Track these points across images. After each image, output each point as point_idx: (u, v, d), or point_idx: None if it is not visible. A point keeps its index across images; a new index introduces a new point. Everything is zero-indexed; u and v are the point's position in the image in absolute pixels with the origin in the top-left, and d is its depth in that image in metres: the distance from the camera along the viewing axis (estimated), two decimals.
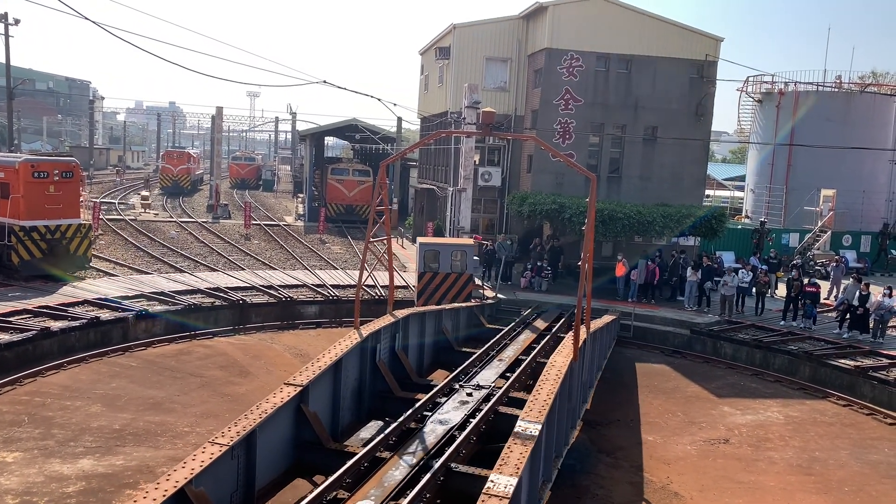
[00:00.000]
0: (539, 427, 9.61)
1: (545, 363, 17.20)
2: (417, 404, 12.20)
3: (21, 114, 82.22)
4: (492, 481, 7.90)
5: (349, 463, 9.63)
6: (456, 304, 20.44)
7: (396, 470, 9.95)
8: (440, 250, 23.00)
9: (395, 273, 26.20)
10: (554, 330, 19.46)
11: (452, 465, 10.02)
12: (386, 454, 10.46)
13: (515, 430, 9.54)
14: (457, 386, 13.68)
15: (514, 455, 8.70)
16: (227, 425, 8.81)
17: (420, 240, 23.92)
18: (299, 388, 10.44)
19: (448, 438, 11.10)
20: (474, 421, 11.63)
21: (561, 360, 12.95)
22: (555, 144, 28.58)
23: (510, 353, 16.93)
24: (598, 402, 17.38)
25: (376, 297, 24.22)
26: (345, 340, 12.85)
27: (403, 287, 26.13)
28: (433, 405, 12.55)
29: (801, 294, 23.50)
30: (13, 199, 23.15)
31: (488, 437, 12.03)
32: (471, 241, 25.17)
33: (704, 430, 15.91)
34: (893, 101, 42.18)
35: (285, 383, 10.52)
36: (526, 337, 18.70)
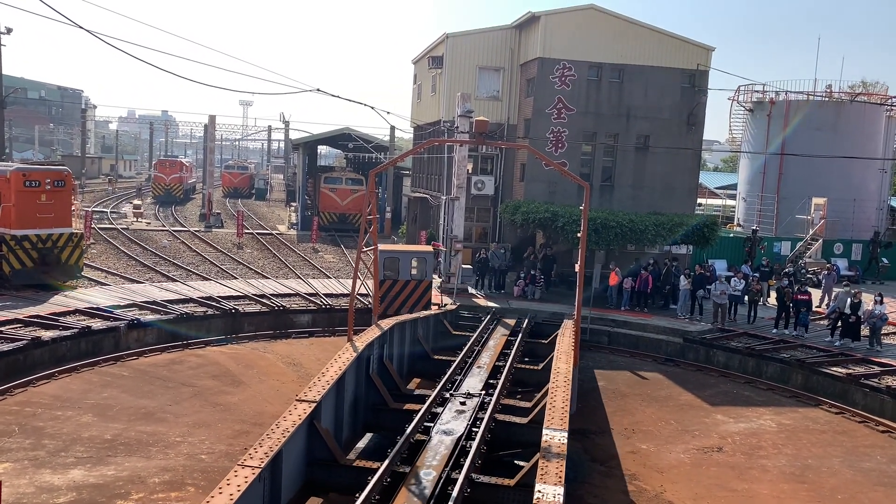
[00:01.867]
0: (566, 435, 9.87)
1: (524, 369, 17.33)
2: (418, 416, 12.17)
3: (13, 123, 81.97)
4: (539, 492, 8.22)
5: (373, 479, 9.54)
6: (426, 313, 20.37)
7: (420, 484, 9.96)
8: (399, 258, 22.84)
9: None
10: (520, 336, 19.59)
11: (474, 476, 10.07)
12: (404, 468, 10.42)
13: (545, 438, 9.72)
14: (447, 395, 13.68)
15: (553, 466, 8.90)
16: (251, 444, 8.75)
17: (380, 246, 23.64)
18: (314, 405, 10.32)
19: (460, 449, 11.12)
20: (479, 430, 11.68)
21: (564, 367, 13.07)
22: (547, 153, 28.65)
23: (486, 359, 17.00)
24: (592, 411, 17.38)
25: (369, 305, 24.18)
26: (344, 353, 12.83)
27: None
28: (432, 416, 12.53)
29: (792, 302, 23.58)
30: (4, 208, 23.07)
31: (491, 446, 12.08)
32: (429, 248, 25.08)
33: (698, 438, 15.91)
34: (883, 111, 42.48)
35: (298, 399, 10.39)
36: (495, 343, 18.80)
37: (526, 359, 18.27)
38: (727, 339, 22.90)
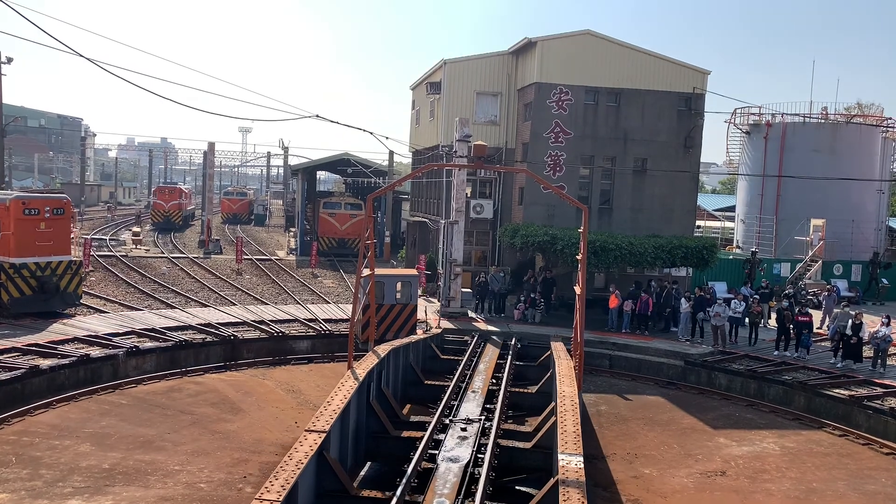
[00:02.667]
0: (581, 459, 9.85)
1: (518, 392, 17.25)
2: (422, 443, 12.07)
3: (13, 151, 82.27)
4: None
5: None
6: (415, 338, 20.24)
7: None
8: (384, 281, 22.54)
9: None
10: (509, 359, 19.54)
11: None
12: (416, 498, 10.34)
13: (561, 463, 9.70)
14: (447, 421, 13.58)
15: (574, 494, 8.86)
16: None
17: (363, 272, 23.33)
18: (323, 435, 10.22)
19: (469, 477, 11.03)
20: (485, 457, 11.60)
21: (569, 390, 13.06)
22: (546, 177, 28.75)
23: (479, 384, 16.93)
24: (593, 435, 17.23)
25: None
26: (347, 381, 12.75)
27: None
28: (435, 443, 12.41)
29: (794, 324, 23.51)
30: (4, 236, 23.07)
31: (497, 471, 11.99)
32: (414, 272, 24.97)
33: (701, 462, 15.78)
34: (879, 132, 42.72)
35: (307, 430, 10.27)
36: (485, 367, 18.70)
37: (518, 382, 18.18)
38: (728, 361, 22.80)
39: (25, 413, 16.01)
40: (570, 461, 9.75)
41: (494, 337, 23.02)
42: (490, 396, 16.03)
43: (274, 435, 16.00)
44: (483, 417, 14.12)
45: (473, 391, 16.29)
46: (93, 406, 17.02)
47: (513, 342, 21.77)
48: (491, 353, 20.29)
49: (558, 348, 19.27)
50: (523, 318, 27.12)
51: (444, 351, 21.14)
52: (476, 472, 11.12)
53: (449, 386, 16.52)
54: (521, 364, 20.02)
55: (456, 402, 15.19)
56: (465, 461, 11.63)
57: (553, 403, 14.96)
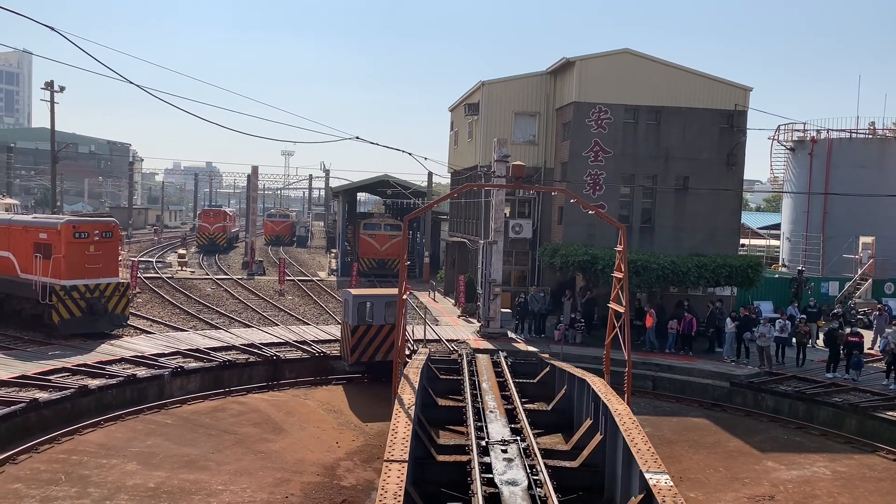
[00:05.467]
0: (669, 477, 9.83)
1: (535, 410, 17.03)
2: (476, 468, 11.98)
3: (64, 176, 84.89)
4: None
5: None
6: (422, 359, 19.92)
7: None
8: (373, 301, 22.20)
9: (428, 326, 26.17)
10: (509, 377, 19.25)
11: None
12: None
13: (652, 482, 9.67)
14: (483, 444, 13.47)
15: None
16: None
17: (352, 291, 22.81)
18: (405, 465, 10.18)
19: (539, 500, 10.99)
20: (542, 479, 11.63)
21: (622, 407, 13.06)
22: (585, 196, 28.61)
23: (492, 403, 16.76)
24: None
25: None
26: (403, 409, 12.80)
27: (436, 341, 26.03)
28: (483, 466, 12.30)
29: (844, 344, 22.90)
30: (55, 260, 23.73)
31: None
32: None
33: (748, 486, 15.40)
34: None
35: (388, 460, 10.27)
36: (488, 385, 18.38)
37: (523, 400, 17.91)
38: (776, 382, 22.28)
39: (75, 432, 16.39)
40: (660, 479, 9.71)
41: (480, 354, 22.61)
42: (509, 415, 15.91)
43: (315, 455, 16.09)
44: (517, 438, 14.00)
45: (491, 411, 16.11)
46: (139, 425, 17.34)
47: (502, 359, 21.55)
48: (487, 372, 19.95)
49: (564, 366, 19.09)
50: (564, 339, 26.90)
51: (439, 371, 20.82)
52: (542, 495, 11.05)
53: (465, 406, 16.35)
54: (523, 381, 19.79)
55: (481, 424, 15.04)
56: (524, 484, 11.56)
57: (588, 420, 14.79)
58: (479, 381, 18.77)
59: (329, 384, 22.37)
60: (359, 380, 22.81)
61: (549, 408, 18.21)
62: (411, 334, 25.91)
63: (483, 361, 21.26)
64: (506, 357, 21.97)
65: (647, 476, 9.78)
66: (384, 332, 21.89)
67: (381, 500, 8.95)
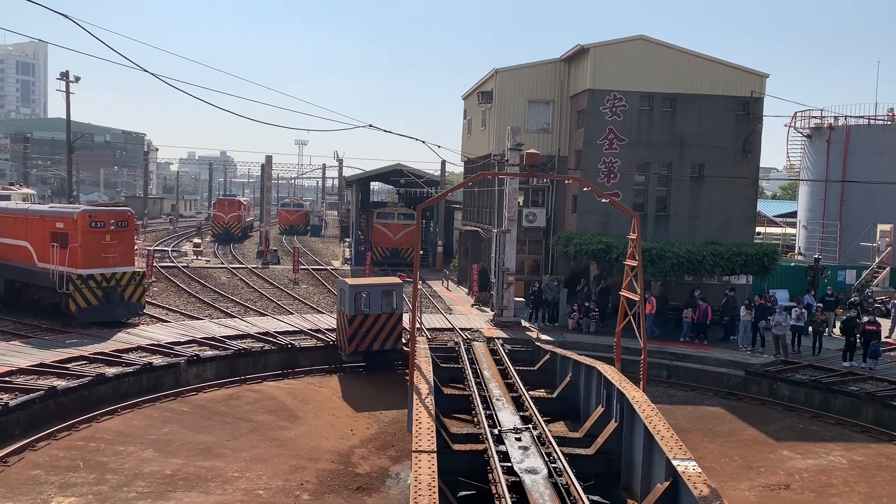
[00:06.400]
0: (696, 462, 9.88)
1: (540, 398, 17.02)
2: (494, 457, 12.01)
3: (80, 166, 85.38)
4: None
5: None
6: (421, 347, 19.89)
7: None
8: (369, 291, 22.08)
9: (441, 315, 26.22)
10: (510, 365, 19.22)
11: None
12: None
13: (680, 469, 9.75)
14: (496, 432, 13.49)
15: (712, 498, 8.93)
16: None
17: (349, 281, 22.66)
18: (434, 454, 10.21)
19: (561, 488, 11.02)
20: (562, 467, 11.63)
21: (639, 395, 13.11)
22: (600, 184, 28.46)
23: (496, 391, 16.74)
24: None
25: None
26: (422, 398, 12.84)
27: (449, 329, 26.05)
28: (502, 455, 12.32)
29: (861, 333, 22.71)
30: (71, 249, 23.92)
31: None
32: (398, 280, 24.59)
33: (763, 475, 15.34)
34: None
35: (417, 451, 10.27)
36: (490, 374, 18.35)
37: (526, 387, 17.89)
38: (791, 371, 22.14)
39: (92, 419, 16.57)
40: (688, 466, 9.74)
41: (476, 342, 22.55)
42: (516, 403, 15.91)
43: (330, 443, 16.18)
44: (529, 426, 14.01)
45: (498, 399, 16.10)
46: (155, 413, 17.51)
47: (499, 346, 21.47)
48: (486, 360, 19.90)
49: (567, 353, 19.04)
50: (577, 328, 26.85)
51: (438, 359, 20.74)
52: (564, 483, 11.07)
53: (472, 395, 16.36)
54: (523, 369, 19.75)
55: (490, 412, 15.05)
56: (544, 473, 11.59)
57: (600, 408, 14.77)
58: (480, 369, 18.79)
59: (343, 372, 22.44)
60: (355, 369, 22.60)
61: (554, 395, 18.20)
62: (421, 323, 25.94)
63: (480, 349, 21.25)
64: (502, 344, 21.97)
65: (674, 463, 9.77)
66: (381, 321, 21.93)
67: (415, 491, 8.95)
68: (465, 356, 19.99)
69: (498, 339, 23.23)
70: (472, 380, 17.45)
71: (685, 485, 9.31)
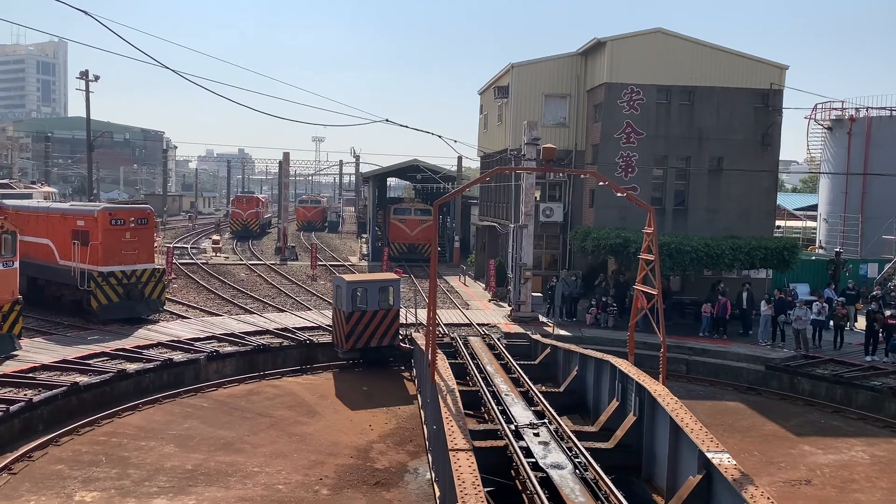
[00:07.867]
0: (729, 455, 9.98)
1: (548, 392, 16.96)
2: (518, 453, 12.02)
3: (100, 164, 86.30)
4: None
5: None
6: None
7: None
8: (367, 287, 22.00)
9: (458, 310, 26.22)
10: (510, 359, 19.16)
11: None
12: None
13: (714, 460, 9.83)
14: (512, 427, 13.50)
15: (753, 490, 9.01)
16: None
17: (345, 277, 22.59)
18: (472, 453, 10.20)
19: (589, 483, 11.06)
20: (587, 462, 11.65)
21: (660, 388, 13.17)
22: (617, 178, 28.31)
23: (503, 385, 16.70)
24: None
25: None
26: (449, 395, 12.89)
27: (467, 325, 26.05)
28: (525, 451, 12.32)
29: (883, 327, 22.45)
30: (92, 246, 24.18)
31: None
32: (396, 276, 24.51)
33: (784, 470, 15.23)
34: None
35: (454, 449, 10.28)
36: (493, 368, 18.29)
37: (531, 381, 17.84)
38: (812, 366, 21.94)
39: (114, 415, 16.78)
40: (722, 458, 9.78)
41: (472, 337, 22.46)
42: (525, 398, 15.88)
43: (349, 438, 16.26)
44: (545, 421, 14.00)
45: (507, 394, 16.07)
46: (176, 409, 17.68)
47: (496, 340, 21.37)
48: (486, 355, 19.82)
49: (571, 347, 18.97)
50: (595, 323, 26.76)
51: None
52: (592, 478, 11.11)
53: (480, 391, 16.33)
54: (524, 363, 19.69)
55: (502, 407, 15.04)
56: (569, 467, 11.59)
57: (615, 402, 14.73)
58: (482, 364, 18.76)
59: (361, 367, 22.50)
60: (349, 367, 22.48)
61: (562, 389, 18.16)
62: (439, 319, 25.96)
63: (477, 344, 21.23)
64: (499, 338, 21.92)
65: (708, 455, 9.77)
66: (378, 317, 21.91)
67: (461, 490, 8.96)
68: (465, 351, 20.02)
69: (494, 333, 23.22)
70: (478, 375, 17.44)
71: (721, 476, 9.28)
